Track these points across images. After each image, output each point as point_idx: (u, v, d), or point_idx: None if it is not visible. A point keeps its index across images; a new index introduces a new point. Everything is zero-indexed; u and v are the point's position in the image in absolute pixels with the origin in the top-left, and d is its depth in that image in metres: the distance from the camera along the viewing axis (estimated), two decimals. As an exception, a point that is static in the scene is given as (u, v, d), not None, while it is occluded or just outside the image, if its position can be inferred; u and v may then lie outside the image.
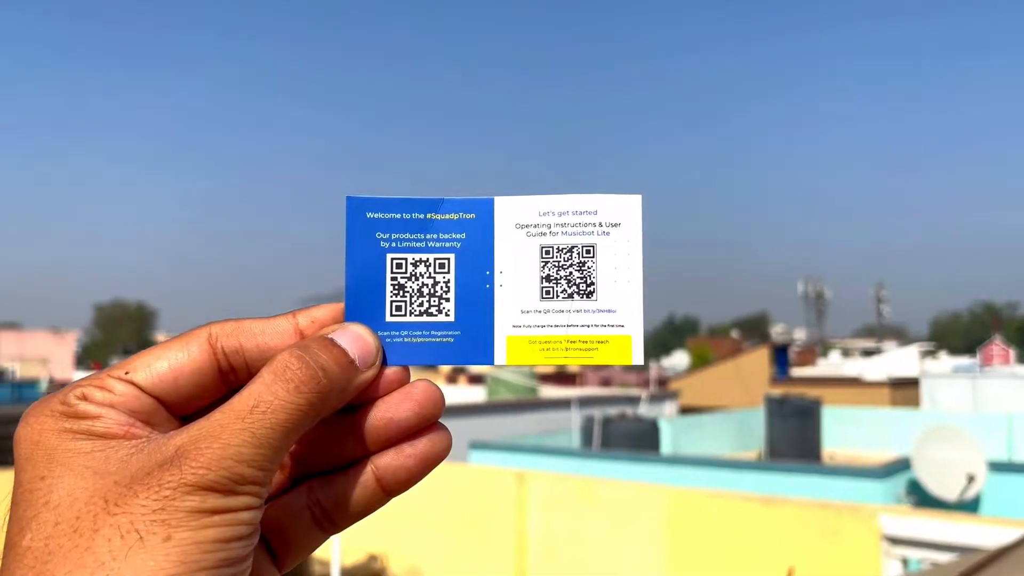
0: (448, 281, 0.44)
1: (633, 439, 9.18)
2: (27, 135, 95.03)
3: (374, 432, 0.40)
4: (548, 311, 0.43)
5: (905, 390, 17.28)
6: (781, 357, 21.84)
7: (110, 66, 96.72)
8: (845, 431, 12.17)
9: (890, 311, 50.93)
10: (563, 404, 12.49)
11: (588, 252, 0.44)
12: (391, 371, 0.41)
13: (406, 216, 0.44)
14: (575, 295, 0.43)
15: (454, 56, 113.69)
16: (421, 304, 0.43)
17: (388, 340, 0.42)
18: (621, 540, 5.49)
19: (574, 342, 0.43)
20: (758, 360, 20.85)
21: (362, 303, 0.43)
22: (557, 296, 0.43)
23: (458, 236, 0.44)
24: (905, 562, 4.52)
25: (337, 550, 5.07)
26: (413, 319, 0.43)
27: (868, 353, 30.21)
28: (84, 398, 0.36)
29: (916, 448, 7.99)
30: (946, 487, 7.67)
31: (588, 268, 0.44)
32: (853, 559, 4.61)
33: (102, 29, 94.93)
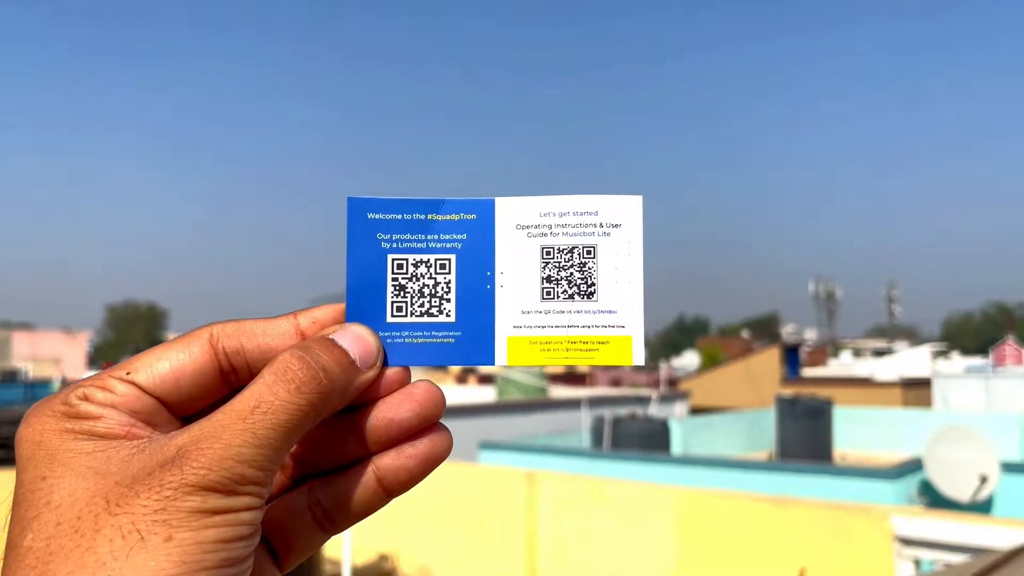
0: (449, 282, 0.44)
1: (643, 439, 9.17)
2: (39, 136, 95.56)
3: (375, 432, 0.40)
4: (549, 312, 0.43)
5: (917, 390, 17.19)
6: (792, 357, 21.76)
7: (116, 66, 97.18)
8: (856, 431, 12.11)
9: (902, 311, 50.70)
10: (573, 404, 12.48)
11: (589, 253, 0.44)
12: (392, 372, 0.41)
13: (407, 217, 0.44)
14: (576, 296, 0.43)
15: (453, 56, 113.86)
16: (422, 305, 0.43)
17: (389, 341, 0.42)
18: (631, 540, 5.48)
19: (575, 343, 0.43)
20: (768, 360, 20.78)
21: (363, 304, 0.43)
22: (558, 297, 0.44)
23: (459, 237, 0.44)
24: (917, 563, 4.50)
25: (348, 549, 5.08)
26: (414, 320, 0.43)
27: (879, 353, 30.08)
28: (86, 398, 0.36)
29: (928, 449, 7.95)
30: (959, 488, 7.62)
31: (589, 269, 0.44)
32: (865, 560, 4.59)
33: (109, 30, 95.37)
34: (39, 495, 0.34)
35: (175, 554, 0.32)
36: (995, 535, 4.23)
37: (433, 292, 0.43)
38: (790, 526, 4.89)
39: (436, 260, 0.44)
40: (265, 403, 0.36)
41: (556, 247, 0.44)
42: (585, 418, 11.01)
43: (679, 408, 14.67)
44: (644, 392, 15.73)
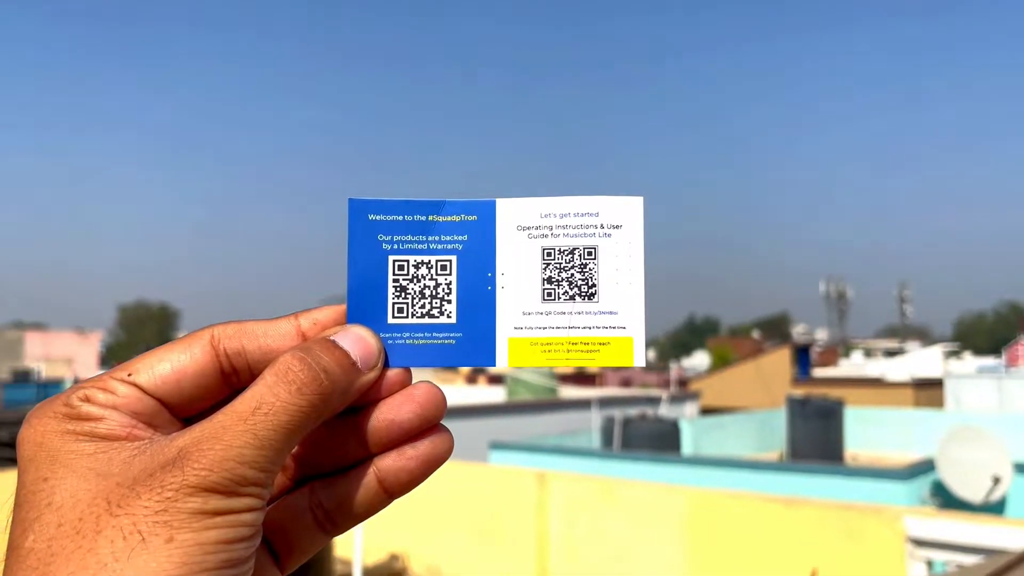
0: (450, 283, 0.44)
1: (654, 440, 9.15)
2: (49, 136, 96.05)
3: (376, 434, 0.40)
4: (550, 313, 0.43)
5: (929, 391, 17.11)
6: (803, 357, 21.68)
7: (120, 67, 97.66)
8: (868, 432, 12.06)
9: (913, 311, 50.51)
10: (583, 404, 12.46)
11: (590, 254, 0.44)
12: (393, 373, 0.41)
13: (408, 218, 0.44)
14: (576, 297, 0.43)
15: (453, 56, 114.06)
16: (423, 306, 0.43)
17: (390, 342, 0.42)
18: (642, 541, 5.47)
19: (575, 344, 0.43)
20: (779, 360, 20.71)
21: (364, 305, 0.43)
22: (559, 298, 0.43)
23: (460, 238, 0.44)
24: (930, 564, 4.48)
25: (359, 549, 5.08)
26: (415, 321, 0.43)
27: (891, 353, 29.95)
28: (87, 400, 0.36)
29: (940, 449, 7.91)
30: (971, 489, 7.58)
31: (590, 270, 0.44)
32: (877, 561, 4.57)
33: (114, 31, 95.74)
34: (40, 496, 0.34)
35: (176, 555, 0.32)
36: (1008, 536, 4.21)
37: (434, 293, 0.43)
38: (801, 527, 4.87)
39: (437, 261, 0.44)
40: (266, 404, 0.36)
41: (557, 248, 0.44)
42: (595, 418, 10.99)
43: (689, 408, 14.64)
44: (654, 392, 15.71)
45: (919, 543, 4.47)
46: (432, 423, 0.41)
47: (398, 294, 0.43)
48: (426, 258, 0.44)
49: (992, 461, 7.69)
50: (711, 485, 6.39)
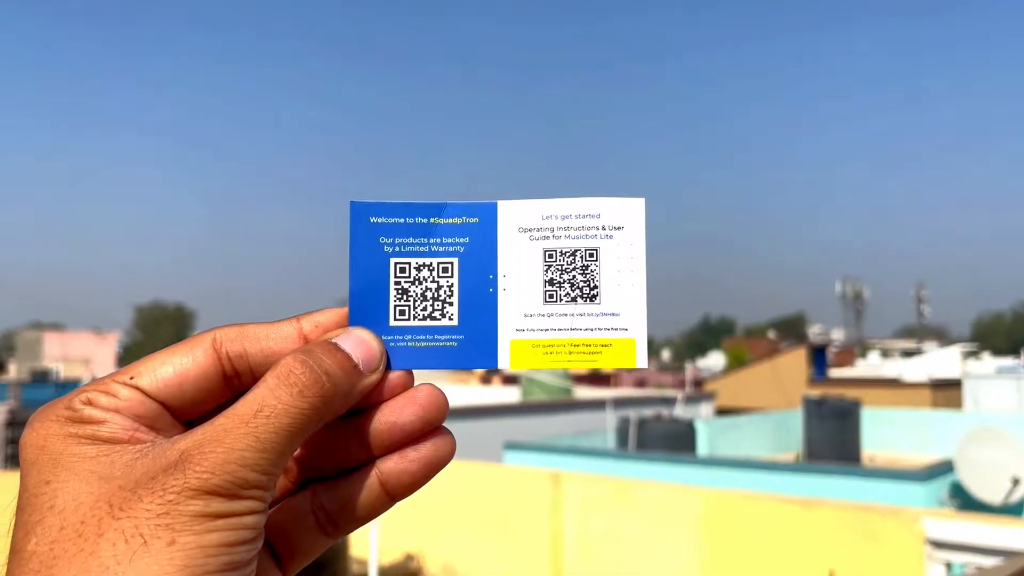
0: (451, 285, 0.44)
1: (669, 440, 9.12)
2: (61, 136, 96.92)
3: (378, 436, 0.40)
4: (551, 315, 0.43)
5: (947, 391, 16.99)
6: (819, 358, 21.57)
7: (129, 67, 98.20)
8: (885, 433, 11.99)
9: (931, 311, 50.14)
10: (598, 405, 12.45)
11: (591, 255, 0.44)
12: (395, 375, 0.41)
13: (409, 220, 0.44)
14: (578, 299, 0.43)
15: (453, 56, 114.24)
16: (425, 308, 0.43)
17: (392, 344, 0.43)
18: (657, 541, 5.45)
19: (577, 346, 0.43)
20: (795, 361, 20.62)
21: (366, 307, 0.43)
22: (560, 300, 0.43)
23: (461, 240, 0.44)
24: (949, 566, 4.45)
25: (375, 549, 5.09)
26: (417, 323, 0.43)
27: (908, 354, 29.75)
28: (89, 403, 0.37)
29: (959, 450, 7.85)
30: (990, 490, 7.52)
31: (591, 271, 0.43)
32: (895, 563, 4.54)
33: (126, 32, 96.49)
34: (43, 499, 0.34)
35: (178, 558, 0.33)
36: (1028, 538, 4.16)
37: (436, 296, 0.43)
38: (819, 528, 4.84)
39: (439, 264, 0.44)
40: (268, 407, 0.36)
41: (558, 250, 0.44)
42: (610, 419, 10.98)
43: (705, 409, 14.60)
44: (670, 393, 15.67)
45: (938, 545, 4.43)
46: (434, 425, 0.41)
47: (400, 296, 0.43)
48: (428, 260, 0.44)
49: (1011, 462, 7.63)
50: (727, 486, 6.37)
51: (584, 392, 16.05)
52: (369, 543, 5.13)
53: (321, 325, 0.41)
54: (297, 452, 0.40)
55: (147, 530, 0.33)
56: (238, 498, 0.34)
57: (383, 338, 0.42)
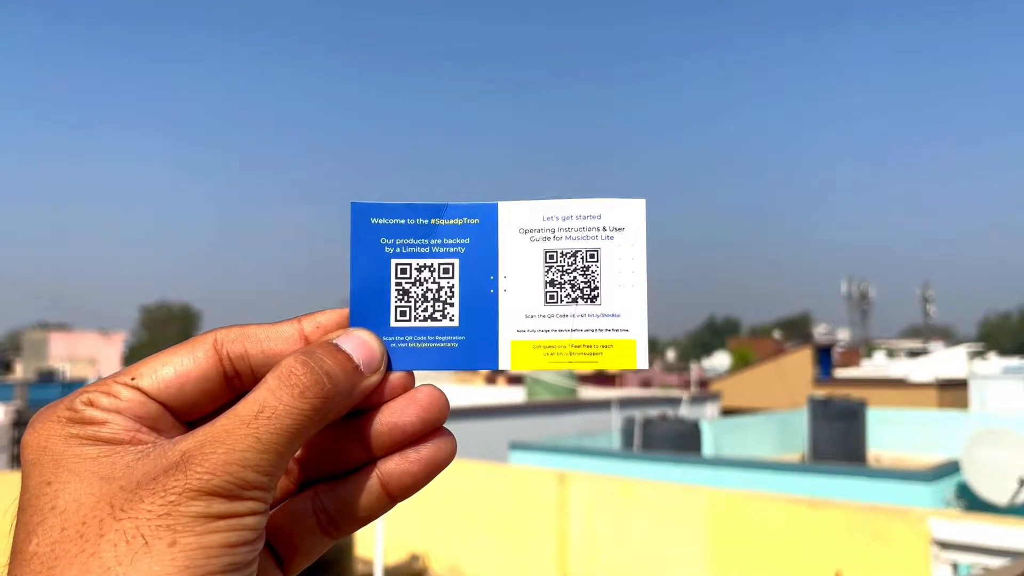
0: (452, 286, 0.44)
1: (674, 441, 9.11)
2: (72, 138, 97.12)
3: (379, 437, 0.40)
4: (552, 316, 0.43)
5: (953, 391, 16.95)
6: (824, 358, 21.53)
7: (140, 68, 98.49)
8: (891, 433, 11.96)
9: (937, 311, 49.96)
10: (603, 405, 12.44)
11: (592, 256, 0.44)
12: (396, 376, 0.41)
13: (410, 221, 0.44)
14: (579, 300, 0.43)
15: (452, 57, 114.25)
16: (425, 309, 0.43)
17: (393, 345, 0.43)
18: (663, 542, 5.45)
19: (578, 347, 0.43)
20: (800, 361, 20.59)
21: (367, 308, 0.43)
22: (561, 301, 0.43)
23: (462, 241, 0.44)
24: (955, 567, 4.43)
25: (380, 549, 5.09)
26: (417, 324, 0.43)
27: (914, 354, 29.67)
28: (90, 404, 0.37)
29: (965, 451, 7.82)
30: (997, 491, 7.49)
31: (592, 272, 0.43)
32: (902, 563, 4.53)
33: (137, 34, 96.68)
34: (44, 500, 0.34)
35: (179, 559, 0.33)
36: (1034, 539, 4.15)
37: (436, 296, 0.43)
38: (825, 528, 4.83)
39: (439, 264, 0.44)
40: (269, 408, 0.36)
41: (559, 251, 0.44)
42: (615, 419, 10.97)
43: (710, 409, 14.58)
44: (675, 393, 15.66)
45: (944, 545, 4.42)
46: (435, 426, 0.41)
47: (401, 297, 0.43)
48: (428, 261, 0.44)
49: (1018, 463, 7.60)
50: (732, 486, 6.36)
51: (589, 392, 16.04)
52: (375, 543, 5.13)
53: (322, 326, 0.41)
54: (298, 453, 0.40)
55: (148, 531, 0.33)
56: (239, 499, 0.34)
57: (384, 339, 0.42)
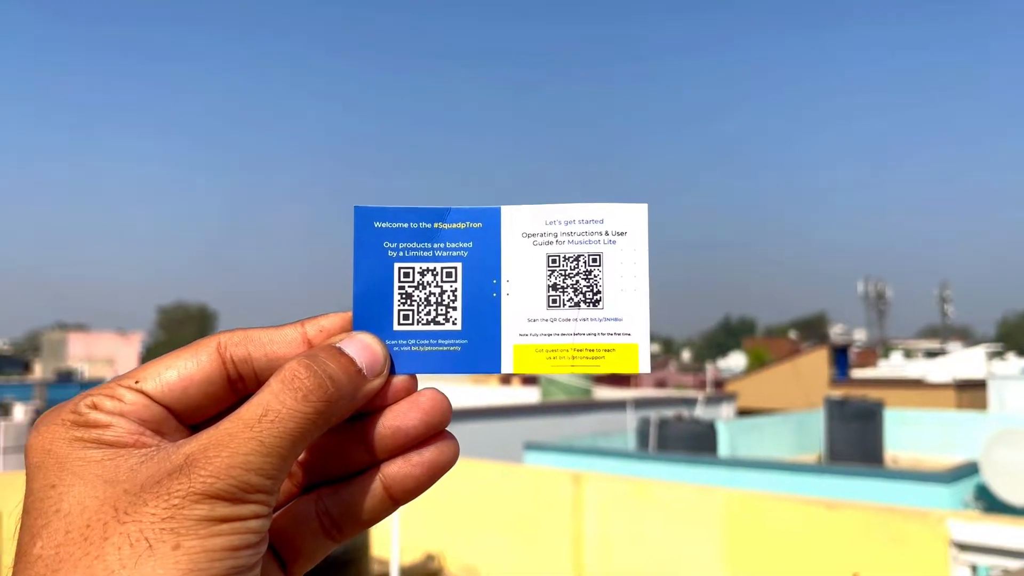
0: (455, 290, 0.44)
1: (690, 441, 9.09)
2: (91, 140, 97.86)
3: (382, 441, 0.40)
4: (555, 320, 0.44)
5: (971, 392, 16.82)
6: (841, 358, 21.43)
7: (158, 70, 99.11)
8: (908, 434, 11.88)
9: (955, 311, 49.62)
10: (618, 406, 12.42)
11: (594, 261, 0.44)
12: (398, 380, 0.41)
13: (413, 225, 0.44)
14: (581, 304, 0.44)
15: (454, 57, 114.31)
16: (428, 313, 0.43)
17: (395, 349, 0.43)
18: (679, 543, 5.43)
19: (580, 350, 0.43)
20: (817, 361, 20.50)
21: (370, 312, 0.43)
22: (564, 305, 0.44)
23: (465, 245, 0.44)
24: (974, 569, 4.40)
25: (396, 549, 5.10)
26: (420, 328, 0.43)
27: (932, 354, 29.47)
28: (94, 407, 0.37)
29: (984, 452, 7.77)
30: (1016, 492, 7.43)
31: (594, 277, 0.44)
32: (920, 565, 4.49)
33: (154, 37, 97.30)
34: (48, 503, 0.34)
35: (183, 562, 0.33)
36: (1054, 541, 4.11)
37: (439, 300, 0.44)
38: (843, 530, 4.80)
39: (442, 268, 0.44)
40: (272, 411, 0.36)
41: (562, 255, 0.44)
42: (630, 419, 10.95)
43: (726, 410, 14.53)
44: (690, 394, 15.63)
45: (963, 547, 4.38)
46: (437, 430, 0.41)
47: (404, 301, 0.43)
48: (431, 265, 0.44)
49: (1038, 464, 7.53)
50: (748, 487, 6.33)
51: (604, 393, 16.02)
52: (391, 542, 5.14)
53: (325, 329, 0.42)
54: (301, 456, 0.40)
55: (152, 534, 0.33)
56: (243, 502, 0.34)
57: (387, 342, 0.42)
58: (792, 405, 16.85)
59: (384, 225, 0.44)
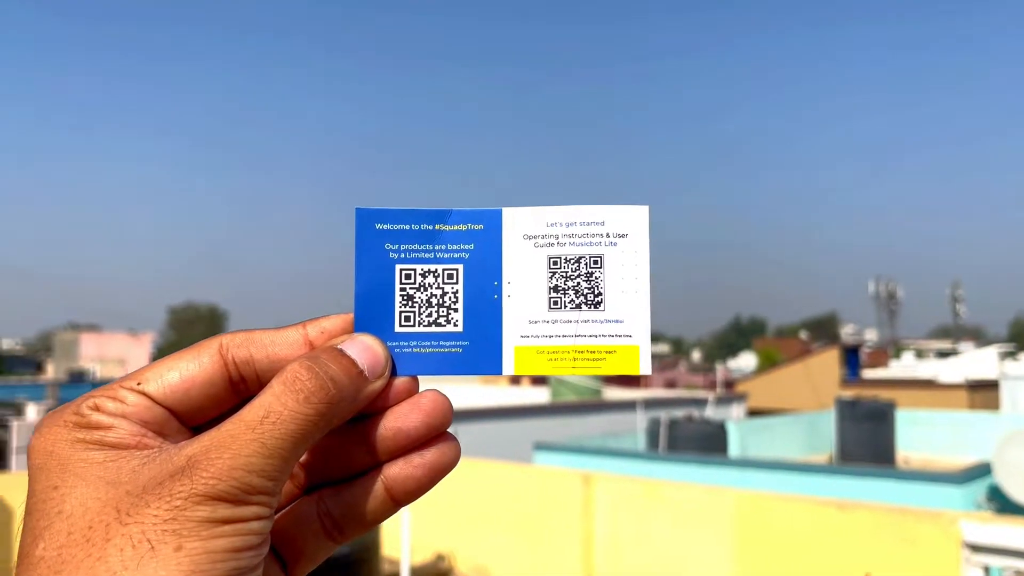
0: (456, 291, 0.44)
1: (700, 442, 9.06)
2: (102, 141, 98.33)
3: (383, 442, 0.40)
4: (556, 321, 0.44)
5: (984, 392, 16.74)
6: (852, 358, 21.35)
7: (170, 70, 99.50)
8: (920, 435, 11.83)
9: (967, 311, 49.35)
10: (628, 406, 12.40)
11: (595, 262, 0.44)
12: (400, 381, 0.41)
13: (415, 227, 0.44)
14: (583, 305, 0.44)
15: (453, 57, 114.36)
16: (430, 314, 0.44)
17: (397, 350, 0.43)
18: (689, 543, 5.42)
19: (582, 352, 0.44)
20: (828, 361, 20.43)
21: (371, 313, 0.43)
22: (565, 306, 0.44)
23: (466, 247, 0.44)
24: (987, 570, 4.37)
25: (407, 549, 5.11)
26: (422, 329, 0.43)
27: (943, 354, 29.32)
28: (96, 408, 0.37)
29: (997, 453, 7.72)
30: (1029, 493, 7.39)
31: (595, 278, 0.44)
32: (932, 566, 4.47)
33: (164, 39, 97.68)
34: (51, 505, 0.34)
35: (185, 564, 0.33)
36: (1068, 542, 4.08)
37: (441, 302, 0.44)
38: (854, 531, 4.78)
39: (444, 270, 0.44)
40: (274, 413, 0.36)
41: (563, 257, 0.44)
42: (640, 420, 10.93)
43: (736, 410, 14.49)
44: (700, 394, 15.59)
45: (976, 548, 4.36)
46: (439, 431, 0.41)
47: (405, 303, 0.44)
48: (433, 267, 0.44)
49: (1051, 465, 7.48)
50: (759, 488, 6.31)
51: (614, 393, 16.00)
52: (401, 542, 5.14)
53: (327, 331, 0.42)
54: (303, 458, 0.40)
55: (154, 535, 0.33)
56: (245, 504, 0.34)
57: (388, 344, 0.42)
58: (803, 405, 16.80)
59: (385, 227, 0.44)
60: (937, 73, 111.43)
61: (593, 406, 12.72)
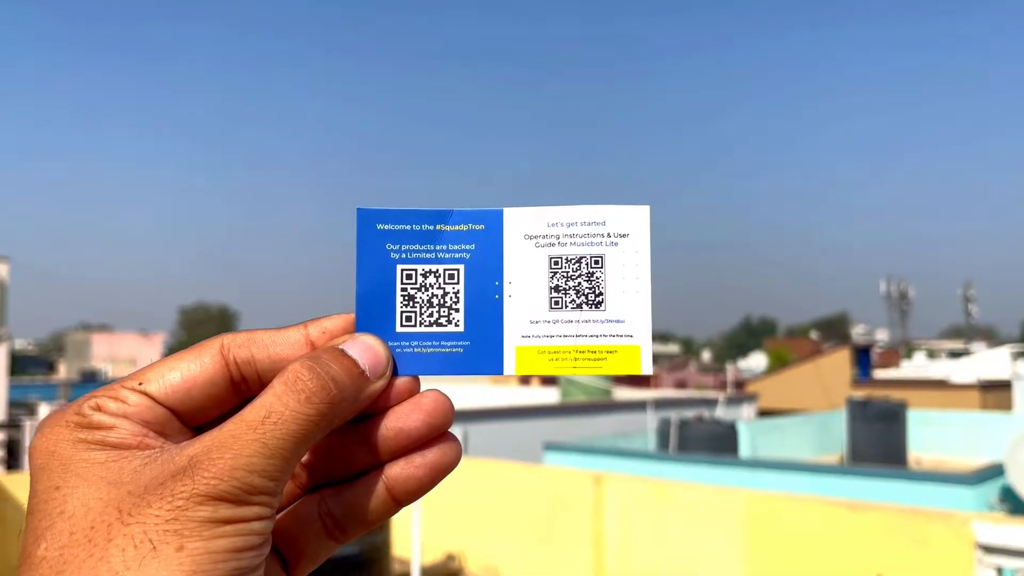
0: (458, 291, 0.44)
1: (711, 442, 9.05)
2: (114, 142, 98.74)
3: (384, 442, 0.40)
4: (557, 321, 0.44)
5: (996, 393, 16.65)
6: (863, 359, 21.27)
7: (181, 70, 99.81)
8: (932, 435, 11.77)
9: (979, 311, 49.09)
10: (638, 406, 12.38)
11: (596, 263, 0.44)
12: (401, 381, 0.42)
13: (416, 227, 0.44)
14: (584, 305, 0.44)
15: (454, 57, 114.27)
16: (431, 314, 0.44)
17: (398, 350, 0.43)
18: (700, 544, 5.40)
19: (583, 352, 0.44)
20: (839, 362, 20.36)
21: (372, 313, 0.43)
22: (566, 306, 0.44)
23: (467, 247, 0.44)
24: (1000, 571, 4.35)
25: (417, 548, 5.11)
26: (423, 329, 0.44)
27: (955, 355, 29.18)
28: (98, 409, 0.37)
29: (1009, 453, 7.68)
30: (1042, 494, 7.34)
31: (597, 278, 0.44)
32: (945, 567, 4.45)
33: (171, 40, 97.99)
34: (52, 505, 0.35)
35: (187, 564, 0.33)
36: (1082, 544, 4.06)
37: (442, 302, 0.44)
38: (865, 532, 4.76)
39: (445, 270, 0.44)
40: (275, 413, 0.36)
41: (564, 257, 0.44)
42: (651, 420, 10.91)
43: (747, 410, 14.45)
44: (711, 394, 15.56)
45: (988, 549, 4.33)
46: (440, 431, 0.41)
47: (406, 303, 0.44)
48: (434, 267, 0.44)
49: (1064, 466, 7.43)
50: (769, 488, 6.29)
51: (624, 393, 15.97)
52: (411, 542, 5.15)
53: (328, 331, 0.42)
54: (304, 458, 0.40)
55: (156, 536, 0.33)
56: (246, 504, 0.35)
57: (389, 344, 0.42)
58: (814, 406, 16.75)
59: (387, 227, 0.44)
60: (937, 73, 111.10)
61: (603, 406, 12.71)
